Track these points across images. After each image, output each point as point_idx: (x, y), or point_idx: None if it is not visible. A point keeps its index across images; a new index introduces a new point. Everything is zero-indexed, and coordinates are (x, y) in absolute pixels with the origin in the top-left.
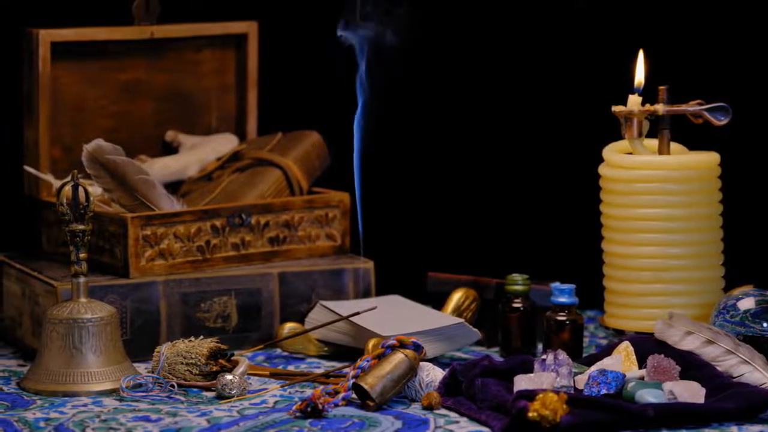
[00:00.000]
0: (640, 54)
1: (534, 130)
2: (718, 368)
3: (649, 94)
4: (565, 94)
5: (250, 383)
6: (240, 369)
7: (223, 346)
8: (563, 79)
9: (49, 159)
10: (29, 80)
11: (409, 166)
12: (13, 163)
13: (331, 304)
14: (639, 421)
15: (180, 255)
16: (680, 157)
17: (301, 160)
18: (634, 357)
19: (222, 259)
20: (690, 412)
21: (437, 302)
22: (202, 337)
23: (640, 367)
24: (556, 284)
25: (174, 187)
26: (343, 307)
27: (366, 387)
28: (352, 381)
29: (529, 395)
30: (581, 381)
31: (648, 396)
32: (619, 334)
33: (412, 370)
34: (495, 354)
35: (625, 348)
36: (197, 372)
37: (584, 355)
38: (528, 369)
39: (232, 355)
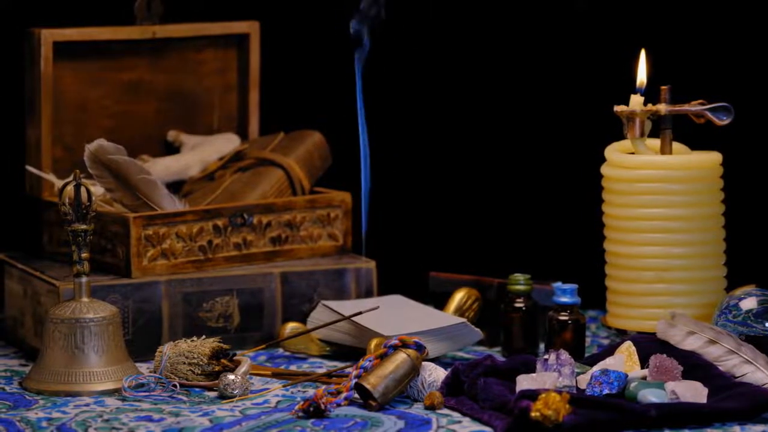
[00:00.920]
0: (642, 54)
1: (536, 130)
2: (720, 368)
3: (651, 94)
4: (567, 94)
5: (253, 383)
6: (242, 369)
7: (225, 346)
8: (565, 79)
9: (51, 159)
10: (31, 80)
11: (411, 166)
12: (15, 162)
13: (333, 304)
14: (641, 421)
15: (182, 255)
16: (682, 157)
17: (303, 159)
18: (637, 357)
19: (224, 258)
20: (692, 412)
21: (439, 302)
22: (204, 336)
23: (642, 367)
24: (558, 284)
25: (176, 187)
26: (345, 306)
27: (368, 387)
28: (354, 381)
29: (532, 395)
30: (583, 381)
31: (650, 396)
32: (622, 334)
33: (414, 370)
34: (497, 354)
35: (628, 348)
36: (199, 372)
37: (586, 355)
38: (530, 369)
39: (234, 354)
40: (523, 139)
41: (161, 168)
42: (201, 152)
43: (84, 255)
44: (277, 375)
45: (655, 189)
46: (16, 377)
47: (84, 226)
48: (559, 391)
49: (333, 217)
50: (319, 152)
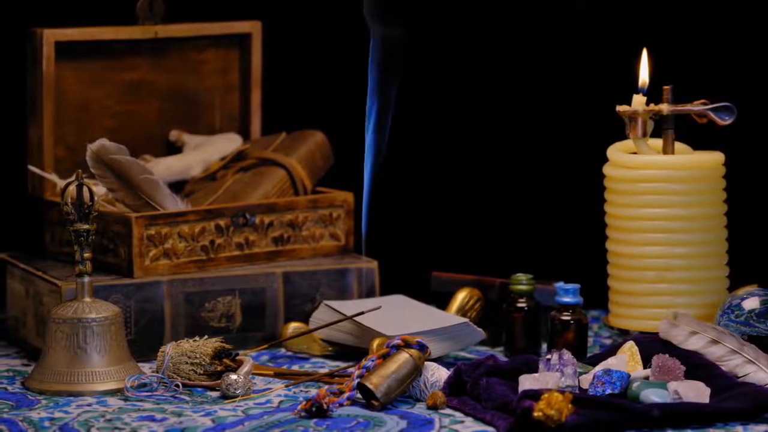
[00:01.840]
0: (644, 53)
1: (538, 130)
2: (722, 368)
3: (653, 94)
4: (569, 94)
5: (255, 383)
6: (244, 369)
7: (227, 346)
8: (567, 79)
9: (53, 158)
10: (33, 80)
11: (413, 166)
12: (17, 162)
13: (336, 304)
14: (644, 421)
15: (184, 255)
16: (685, 156)
17: (305, 159)
18: (639, 357)
19: (226, 258)
20: (695, 412)
21: (441, 302)
22: (206, 336)
23: (644, 367)
24: (561, 284)
25: (178, 186)
26: (348, 306)
27: (371, 387)
28: (356, 381)
29: (534, 395)
30: (586, 381)
31: (653, 396)
32: (624, 334)
33: (416, 370)
34: (499, 354)
35: (630, 348)
36: (202, 372)
37: (589, 354)
38: (533, 369)
39: (237, 354)
40: (525, 139)
41: (163, 168)
42: (203, 152)
43: (86, 255)
44: (279, 375)
45: (658, 189)
46: (19, 377)
47: (86, 226)
48: (561, 391)
49: (335, 217)
50: (321, 152)
